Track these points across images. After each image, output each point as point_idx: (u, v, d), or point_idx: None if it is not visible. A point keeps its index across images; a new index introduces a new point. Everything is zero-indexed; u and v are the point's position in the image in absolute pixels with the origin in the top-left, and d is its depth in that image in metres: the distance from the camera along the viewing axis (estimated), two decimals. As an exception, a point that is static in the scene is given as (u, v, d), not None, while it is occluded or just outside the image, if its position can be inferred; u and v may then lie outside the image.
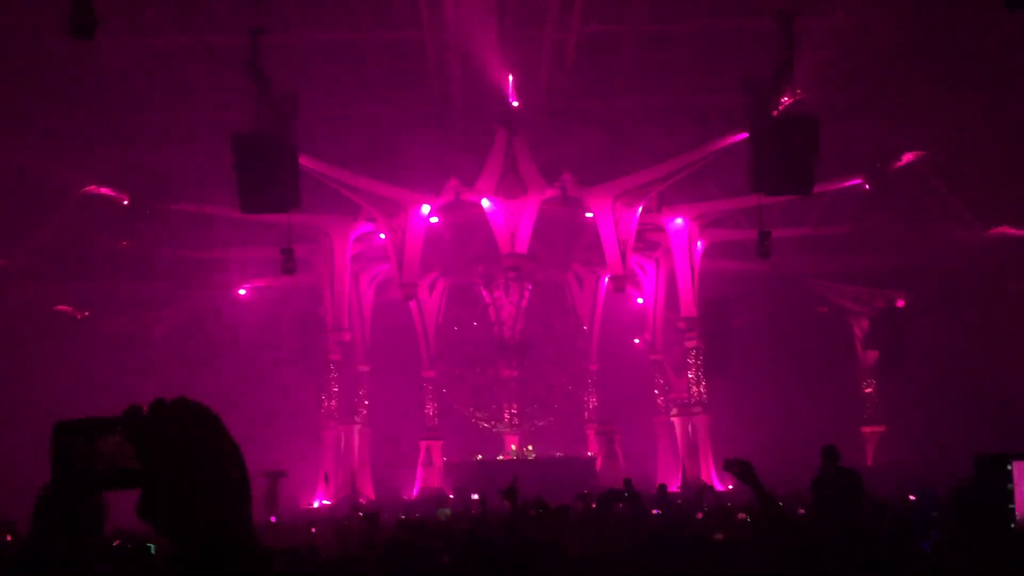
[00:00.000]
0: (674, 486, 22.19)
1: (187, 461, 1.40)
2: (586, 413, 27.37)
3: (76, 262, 25.34)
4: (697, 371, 24.99)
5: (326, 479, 23.46)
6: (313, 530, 13.94)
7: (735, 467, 4.86)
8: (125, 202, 24.13)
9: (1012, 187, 23.57)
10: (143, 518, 1.40)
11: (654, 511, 12.51)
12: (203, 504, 1.39)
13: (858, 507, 9.34)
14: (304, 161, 19.09)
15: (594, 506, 11.86)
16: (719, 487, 21.89)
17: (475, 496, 9.66)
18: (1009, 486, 4.33)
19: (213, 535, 1.39)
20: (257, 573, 1.42)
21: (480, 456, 25.57)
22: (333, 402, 25.13)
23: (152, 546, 5.80)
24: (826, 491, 9.58)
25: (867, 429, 27.84)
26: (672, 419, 25.86)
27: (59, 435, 1.44)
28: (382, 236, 24.07)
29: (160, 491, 1.40)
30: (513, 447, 26.06)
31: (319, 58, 21.43)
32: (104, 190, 23.86)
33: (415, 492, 24.74)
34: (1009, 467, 4.49)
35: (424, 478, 24.90)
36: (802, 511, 10.54)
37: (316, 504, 23.16)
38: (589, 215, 23.83)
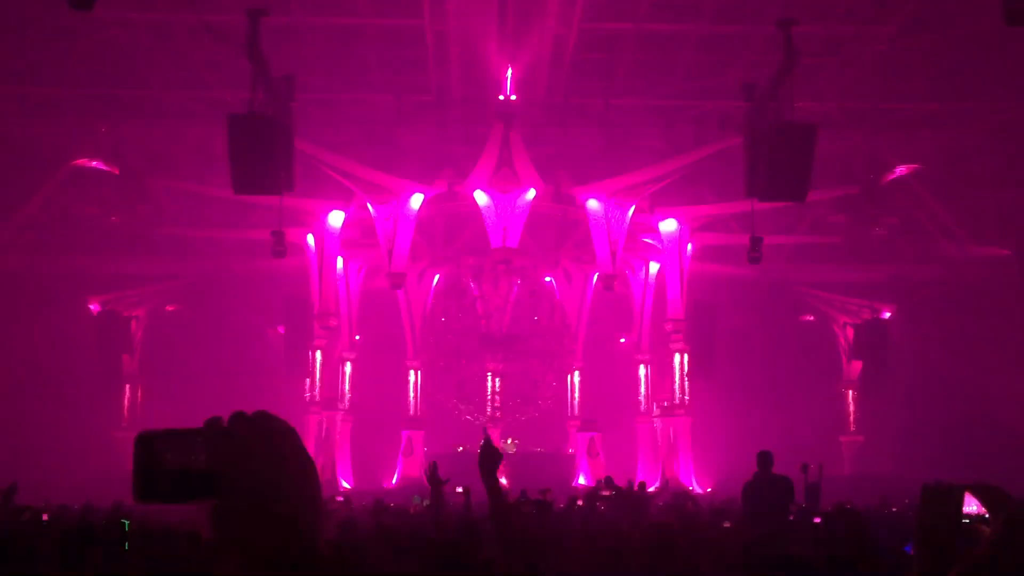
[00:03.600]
0: (651, 487, 22.22)
1: (265, 474, 1.41)
2: (569, 410, 27.38)
3: (64, 235, 25.19)
4: (681, 373, 25.04)
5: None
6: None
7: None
8: (116, 175, 24.03)
9: (1003, 202, 23.70)
10: (216, 529, 1.40)
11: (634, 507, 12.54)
12: (278, 517, 1.40)
13: (786, 514, 9.37)
14: (298, 144, 19.01)
15: (580, 503, 11.90)
16: (697, 490, 21.94)
17: (459, 489, 9.65)
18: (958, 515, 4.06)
19: (285, 545, 1.39)
20: None
21: (462, 448, 25.54)
22: (317, 387, 25.09)
23: (126, 522, 5.77)
24: (757, 497, 9.54)
25: (845, 439, 27.95)
26: (654, 420, 25.91)
27: (141, 444, 1.45)
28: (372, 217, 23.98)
29: (237, 503, 1.40)
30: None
31: (318, 42, 21.34)
32: (97, 163, 23.74)
33: (394, 482, 24.72)
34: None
35: (404, 467, 24.88)
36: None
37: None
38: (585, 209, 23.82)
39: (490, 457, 3.92)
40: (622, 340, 28.44)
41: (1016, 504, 3.52)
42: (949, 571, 3.00)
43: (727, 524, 9.51)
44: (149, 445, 1.44)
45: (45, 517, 10.16)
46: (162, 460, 1.43)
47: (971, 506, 3.81)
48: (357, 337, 26.31)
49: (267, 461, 1.41)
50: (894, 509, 14.71)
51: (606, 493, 13.64)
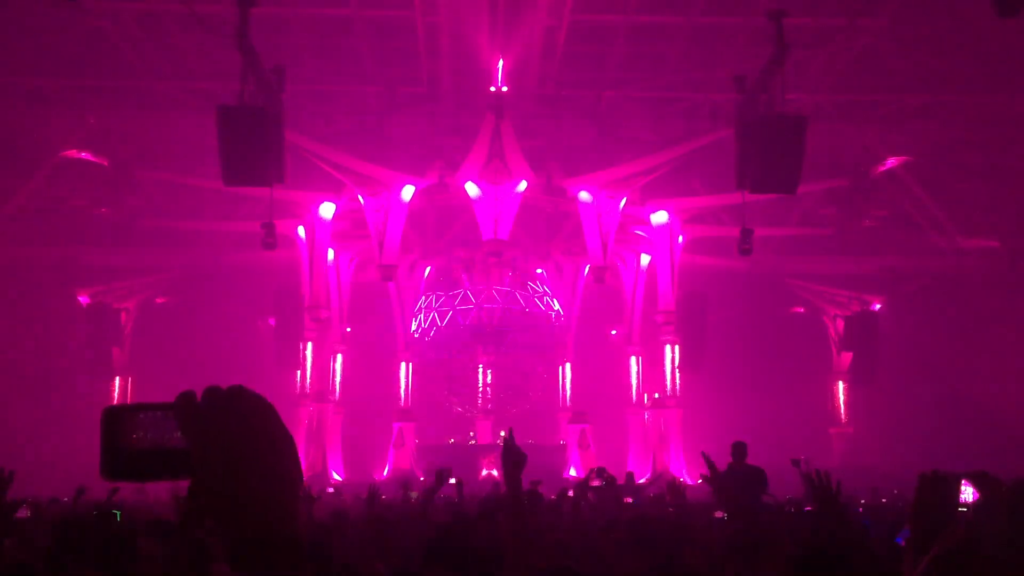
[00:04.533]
0: (642, 478, 22.26)
1: (240, 451, 1.35)
2: (560, 402, 27.41)
3: (53, 227, 25.07)
4: (672, 365, 25.09)
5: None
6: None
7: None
8: (105, 166, 23.92)
9: (992, 193, 23.78)
10: (189, 509, 1.36)
11: (626, 499, 12.59)
12: (254, 495, 1.35)
13: (759, 504, 9.41)
14: (289, 136, 18.92)
15: (571, 494, 11.90)
16: (688, 481, 21.93)
17: (452, 480, 9.71)
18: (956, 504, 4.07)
19: (261, 526, 1.36)
20: (301, 566, 1.39)
21: (453, 440, 25.59)
22: (307, 379, 25.05)
23: (118, 513, 5.76)
24: (730, 487, 9.58)
25: (835, 430, 28.06)
26: (645, 412, 25.96)
27: (108, 420, 1.40)
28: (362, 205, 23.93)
29: (212, 480, 1.36)
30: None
31: (309, 33, 21.26)
32: (85, 154, 23.62)
33: (384, 474, 24.70)
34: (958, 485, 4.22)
35: (395, 459, 24.88)
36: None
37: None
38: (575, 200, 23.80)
39: (514, 455, 3.99)
40: (613, 332, 28.47)
41: (996, 486, 3.54)
42: (932, 549, 3.02)
43: (719, 514, 9.55)
44: (116, 420, 1.39)
45: (25, 513, 9.99)
46: (131, 436, 1.38)
47: (966, 494, 3.84)
48: (348, 329, 26.29)
49: (242, 438, 1.36)
50: (884, 500, 14.80)
51: (596, 483, 13.64)
